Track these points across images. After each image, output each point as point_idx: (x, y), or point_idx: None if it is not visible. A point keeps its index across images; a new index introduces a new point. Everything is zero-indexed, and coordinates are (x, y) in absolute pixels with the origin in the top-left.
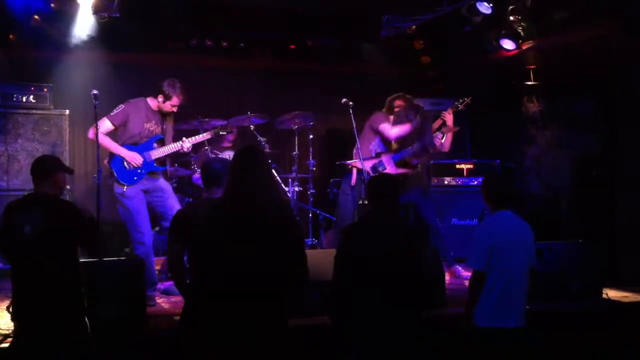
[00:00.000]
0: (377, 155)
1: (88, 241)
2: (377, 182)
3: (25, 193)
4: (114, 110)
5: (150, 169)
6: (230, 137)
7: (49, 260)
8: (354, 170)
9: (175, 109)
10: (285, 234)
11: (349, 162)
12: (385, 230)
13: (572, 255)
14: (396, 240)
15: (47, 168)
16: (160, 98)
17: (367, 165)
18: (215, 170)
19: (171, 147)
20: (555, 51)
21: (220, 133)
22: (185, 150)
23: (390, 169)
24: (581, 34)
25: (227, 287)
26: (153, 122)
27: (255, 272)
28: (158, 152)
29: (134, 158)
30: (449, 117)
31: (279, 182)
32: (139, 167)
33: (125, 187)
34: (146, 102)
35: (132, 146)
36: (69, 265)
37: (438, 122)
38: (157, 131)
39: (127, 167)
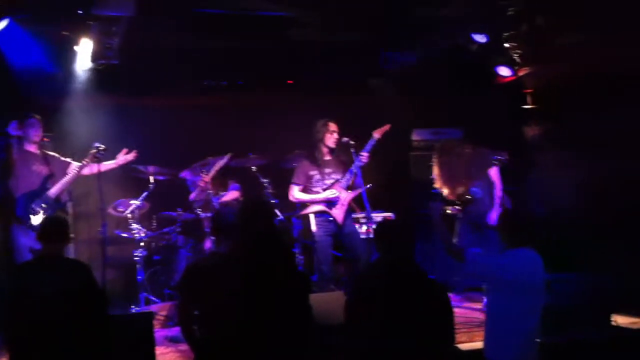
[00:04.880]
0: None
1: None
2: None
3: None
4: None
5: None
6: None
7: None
8: (311, 217)
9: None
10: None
11: (302, 212)
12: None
13: (581, 285)
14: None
15: (65, 231)
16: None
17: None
18: (227, 222)
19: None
20: (554, 75)
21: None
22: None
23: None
24: (578, 58)
25: (241, 339)
26: (37, 162)
27: (271, 324)
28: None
29: None
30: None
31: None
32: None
33: None
34: (26, 149)
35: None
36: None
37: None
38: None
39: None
